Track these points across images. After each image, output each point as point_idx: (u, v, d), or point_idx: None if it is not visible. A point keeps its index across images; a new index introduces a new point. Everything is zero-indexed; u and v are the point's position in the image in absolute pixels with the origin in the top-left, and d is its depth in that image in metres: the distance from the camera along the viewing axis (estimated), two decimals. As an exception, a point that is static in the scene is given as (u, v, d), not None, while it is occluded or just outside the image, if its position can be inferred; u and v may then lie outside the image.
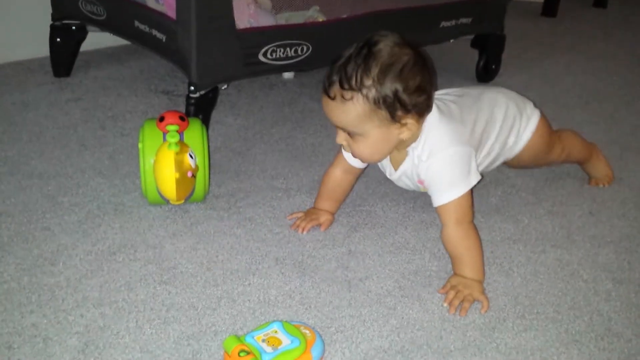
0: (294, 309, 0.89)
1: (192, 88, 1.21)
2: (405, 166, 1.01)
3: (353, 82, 0.87)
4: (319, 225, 1.07)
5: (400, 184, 1.07)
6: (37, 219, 1.06)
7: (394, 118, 0.89)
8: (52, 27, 1.58)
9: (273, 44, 1.28)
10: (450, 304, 0.90)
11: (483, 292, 0.92)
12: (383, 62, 0.87)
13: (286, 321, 0.81)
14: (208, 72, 1.22)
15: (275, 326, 0.79)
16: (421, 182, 1.00)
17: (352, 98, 0.87)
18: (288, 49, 1.31)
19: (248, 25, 1.28)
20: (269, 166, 1.28)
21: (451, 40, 1.66)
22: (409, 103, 0.89)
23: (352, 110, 0.88)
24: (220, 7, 1.18)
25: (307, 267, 0.98)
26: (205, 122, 1.25)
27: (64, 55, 1.63)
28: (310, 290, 0.93)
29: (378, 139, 0.91)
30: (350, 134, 0.92)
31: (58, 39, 1.60)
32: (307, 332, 0.80)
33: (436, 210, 0.98)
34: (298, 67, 1.37)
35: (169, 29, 1.24)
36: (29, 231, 1.03)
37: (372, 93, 0.87)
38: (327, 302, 0.91)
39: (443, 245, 0.98)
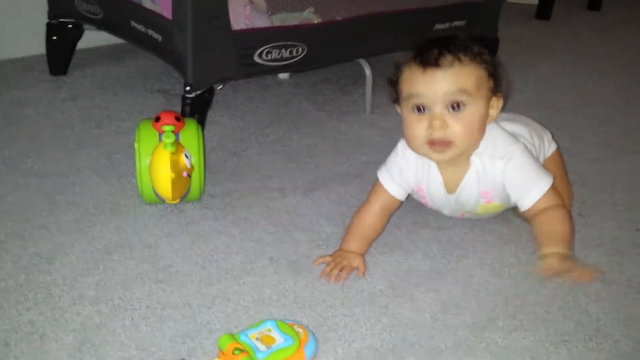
0: (288, 307, 0.90)
1: (188, 88, 1.22)
2: (468, 178, 0.97)
3: (465, 49, 0.89)
4: (353, 270, 0.96)
5: (451, 210, 1.04)
6: (34, 218, 1.07)
7: (494, 91, 0.92)
8: (48, 25, 1.59)
9: (268, 45, 1.29)
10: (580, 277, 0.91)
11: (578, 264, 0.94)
12: (475, 44, 0.91)
13: (280, 320, 0.82)
14: (204, 73, 1.23)
15: (269, 325, 0.81)
16: (486, 193, 0.97)
17: (470, 62, 0.89)
18: (283, 50, 1.32)
19: (244, 27, 1.29)
20: (264, 167, 1.29)
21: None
22: (500, 80, 0.92)
23: (471, 73, 0.89)
24: (216, 8, 1.19)
25: (301, 267, 0.99)
26: (201, 122, 1.26)
27: (60, 53, 1.64)
28: (304, 289, 0.94)
29: (481, 114, 0.91)
30: (457, 107, 0.89)
31: (54, 37, 1.60)
32: (301, 330, 0.81)
33: (530, 211, 0.96)
34: (293, 68, 1.39)
35: (165, 29, 1.25)
36: (25, 229, 1.04)
37: (484, 61, 0.90)
38: (321, 301, 0.92)
39: (539, 223, 0.96)
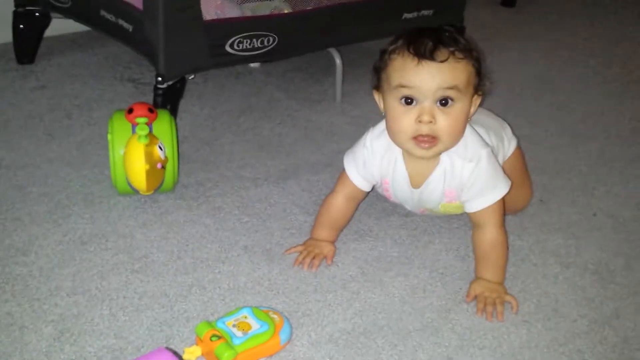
0: (263, 295, 0.94)
1: (159, 79, 1.23)
2: (435, 175, 0.97)
3: (460, 42, 0.89)
4: (324, 258, 1.00)
5: (412, 205, 1.04)
6: (7, 210, 1.07)
7: (477, 89, 0.92)
8: (15, 13, 1.57)
9: (239, 35, 1.30)
10: (486, 312, 0.91)
11: (507, 292, 0.95)
12: (464, 38, 0.91)
13: (255, 307, 0.85)
14: (175, 63, 1.24)
15: (245, 312, 0.84)
16: (450, 192, 0.98)
17: (463, 58, 0.88)
18: (254, 40, 1.33)
19: (215, 17, 1.29)
20: (237, 156, 1.31)
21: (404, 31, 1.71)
22: (484, 78, 0.93)
23: (464, 70, 0.88)
24: (187, -1, 1.20)
25: (275, 255, 1.02)
26: (173, 112, 1.27)
27: (27, 42, 1.61)
28: (278, 276, 0.97)
29: (467, 111, 0.91)
30: (446, 103, 0.88)
31: (21, 26, 1.58)
32: (276, 316, 0.84)
33: (474, 215, 0.97)
34: (264, 58, 1.40)
35: (136, 19, 1.25)
36: (-1, 222, 1.04)
37: (474, 58, 0.90)
38: (294, 288, 0.95)
39: (475, 246, 0.98)
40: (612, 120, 1.63)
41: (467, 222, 1.15)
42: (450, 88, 0.87)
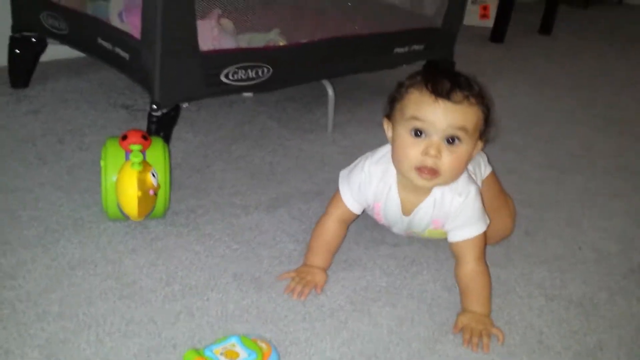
0: (251, 323, 0.94)
1: (154, 107, 1.25)
2: (425, 205, 1.01)
3: (474, 88, 0.94)
4: (315, 287, 1.01)
5: (399, 229, 1.09)
6: (-4, 233, 1.07)
7: (482, 135, 0.97)
8: (11, 38, 1.59)
9: (235, 66, 1.33)
10: (470, 342, 0.92)
11: (493, 324, 0.96)
12: (478, 85, 0.95)
13: (244, 335, 0.85)
14: (171, 92, 1.26)
15: (233, 340, 0.84)
16: (437, 221, 1.02)
17: (476, 104, 0.93)
18: (249, 71, 1.36)
19: (211, 47, 1.32)
20: (228, 183, 1.32)
21: (404, 65, 1.75)
22: (490, 126, 0.97)
23: (474, 114, 0.93)
24: (184, 29, 1.22)
25: (263, 283, 1.03)
26: (166, 139, 1.29)
27: (22, 66, 1.63)
28: (267, 305, 0.98)
29: (470, 152, 0.95)
30: (453, 142, 0.93)
31: (17, 51, 1.60)
32: (264, 345, 0.85)
33: (455, 246, 1.01)
34: (258, 89, 1.42)
35: (133, 48, 1.27)
36: (-12, 245, 1.04)
37: (485, 106, 0.95)
38: (283, 317, 0.96)
39: (458, 279, 1.01)
40: (598, 155, 1.66)
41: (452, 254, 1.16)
42: (460, 128, 0.92)
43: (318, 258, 1.05)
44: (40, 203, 1.17)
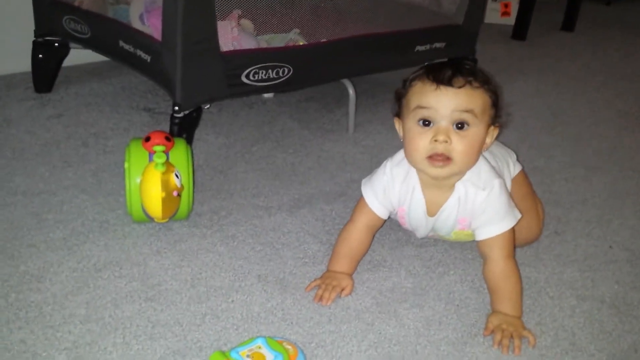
0: (276, 325, 0.93)
1: (176, 108, 1.25)
2: (450, 203, 0.99)
3: (477, 75, 0.93)
4: (341, 292, 0.99)
5: (426, 230, 1.05)
6: (23, 236, 1.08)
7: (493, 120, 0.95)
8: (34, 43, 1.60)
9: (255, 66, 1.32)
10: (500, 344, 0.90)
11: (524, 326, 0.94)
12: (483, 72, 0.95)
13: (269, 337, 0.84)
14: (192, 93, 1.26)
15: (259, 342, 0.83)
16: (464, 219, 1.00)
17: (479, 87, 0.92)
18: (270, 71, 1.35)
19: (231, 48, 1.32)
20: (250, 184, 1.32)
21: (426, 63, 1.73)
22: (500, 110, 0.96)
23: (479, 97, 0.92)
24: (205, 30, 1.22)
25: (288, 285, 1.02)
26: (189, 140, 1.29)
27: (45, 71, 1.65)
28: (292, 306, 0.97)
29: (481, 137, 0.94)
30: (462, 127, 0.92)
31: (40, 55, 1.61)
32: (290, 347, 0.84)
33: (483, 244, 0.98)
34: (279, 89, 1.42)
35: (155, 50, 1.28)
36: (14, 248, 1.05)
37: (490, 90, 0.94)
38: (308, 318, 0.94)
39: (487, 279, 0.98)
40: (626, 152, 1.63)
41: (481, 253, 1.14)
42: (466, 111, 0.92)
43: (342, 264, 1.03)
44: (65, 206, 1.18)
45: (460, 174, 0.97)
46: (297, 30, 1.49)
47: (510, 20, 2.80)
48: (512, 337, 0.91)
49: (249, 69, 1.32)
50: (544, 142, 1.65)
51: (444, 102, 0.91)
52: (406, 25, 1.62)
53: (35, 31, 1.59)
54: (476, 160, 0.97)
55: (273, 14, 1.46)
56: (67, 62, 1.68)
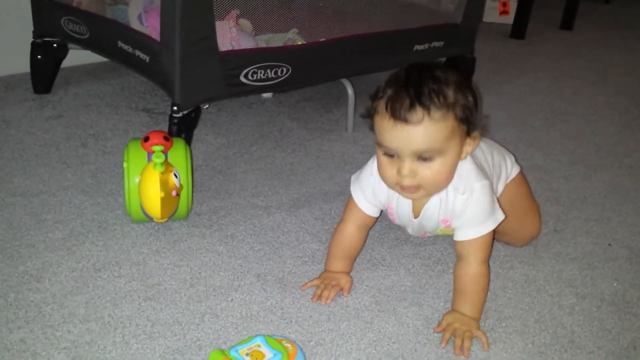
0: (276, 323, 0.93)
1: (175, 108, 1.25)
2: (432, 203, 0.97)
3: (438, 100, 0.85)
4: (341, 290, 1.00)
5: (413, 230, 1.05)
6: (22, 236, 1.08)
7: (468, 133, 0.90)
8: (33, 44, 1.60)
9: (254, 66, 1.32)
10: (454, 345, 0.90)
11: (479, 328, 0.93)
12: (455, 79, 0.88)
13: (269, 335, 0.84)
14: (191, 93, 1.26)
15: (258, 340, 0.83)
16: (445, 220, 0.98)
17: (441, 117, 0.86)
18: (268, 71, 1.35)
19: (230, 48, 1.32)
20: (249, 184, 1.32)
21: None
22: (477, 117, 0.90)
23: (442, 129, 0.86)
24: (203, 30, 1.22)
25: (287, 283, 1.02)
26: (188, 140, 1.29)
27: (44, 72, 1.65)
28: (291, 305, 0.97)
29: (452, 161, 0.90)
30: (426, 159, 0.88)
31: (39, 56, 1.61)
32: (289, 345, 0.84)
33: (459, 245, 0.96)
34: (278, 88, 1.42)
35: (153, 50, 1.28)
36: (13, 248, 1.05)
37: (459, 108, 0.87)
38: (307, 317, 0.94)
39: (456, 278, 0.96)
40: (625, 150, 1.63)
41: (480, 251, 1.14)
42: (428, 149, 0.87)
43: (338, 264, 1.03)
44: (64, 206, 1.18)
45: (437, 192, 0.95)
46: (296, 30, 1.50)
47: (509, 19, 2.80)
48: (463, 337, 0.90)
49: (248, 69, 1.32)
50: (543, 140, 1.65)
51: (401, 142, 0.87)
52: (405, 25, 1.62)
53: (33, 32, 1.59)
54: (450, 179, 0.94)
55: (271, 13, 1.46)
56: (66, 63, 1.68)
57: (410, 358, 0.88)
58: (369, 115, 0.93)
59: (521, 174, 1.13)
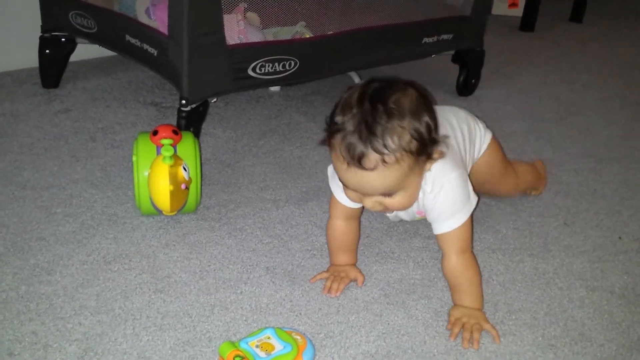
0: (285, 316, 0.93)
1: (183, 102, 1.25)
2: None
3: (392, 143, 0.80)
4: (355, 281, 1.01)
5: (392, 218, 1.07)
6: (32, 230, 1.08)
7: (430, 156, 0.87)
8: (41, 38, 1.61)
9: (262, 59, 1.32)
10: (463, 338, 0.90)
11: (487, 320, 0.93)
12: (408, 107, 0.82)
13: (278, 327, 0.85)
14: (199, 87, 1.26)
15: (268, 332, 0.83)
16: (420, 212, 0.99)
17: (395, 160, 0.82)
18: (276, 64, 1.35)
19: (238, 41, 1.32)
20: (258, 178, 1.32)
21: (433, 56, 1.72)
22: (437, 134, 0.87)
23: (398, 170, 0.83)
24: (211, 24, 1.22)
25: (296, 276, 1.02)
26: (196, 134, 1.29)
27: (53, 66, 1.65)
28: (300, 298, 0.97)
29: (417, 184, 0.89)
30: (388, 194, 0.87)
31: (47, 51, 1.62)
32: (299, 337, 0.84)
33: (437, 239, 0.96)
34: (286, 82, 1.42)
35: (161, 43, 1.28)
36: (24, 241, 1.05)
37: (414, 144, 0.82)
38: (317, 309, 0.95)
39: (444, 275, 0.96)
40: (636, 143, 1.62)
41: (490, 245, 1.14)
42: (385, 191, 0.86)
43: (341, 257, 1.03)
44: (74, 200, 1.19)
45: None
46: (304, 23, 1.49)
47: (518, 11, 2.78)
48: (472, 330, 0.90)
49: (256, 63, 1.31)
50: (553, 133, 1.64)
51: (359, 184, 0.85)
52: (413, 17, 1.61)
53: (42, 26, 1.60)
54: (416, 197, 0.92)
55: (279, 6, 1.45)
56: (74, 57, 1.68)
57: (420, 350, 0.88)
58: (326, 144, 0.89)
59: (494, 138, 1.13)
